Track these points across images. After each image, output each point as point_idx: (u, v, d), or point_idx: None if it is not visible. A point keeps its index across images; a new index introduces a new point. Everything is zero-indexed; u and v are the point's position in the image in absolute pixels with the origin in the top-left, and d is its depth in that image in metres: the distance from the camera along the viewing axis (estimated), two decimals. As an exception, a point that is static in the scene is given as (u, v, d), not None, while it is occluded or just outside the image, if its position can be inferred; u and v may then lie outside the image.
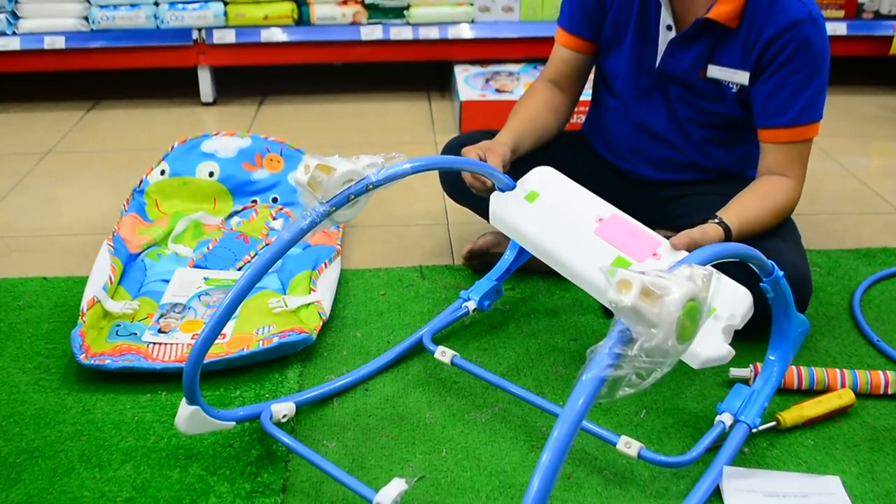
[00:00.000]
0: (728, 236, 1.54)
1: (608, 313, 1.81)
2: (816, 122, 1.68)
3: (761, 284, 1.34)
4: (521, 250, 1.76)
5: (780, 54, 1.62)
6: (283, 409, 1.45)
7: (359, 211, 1.38)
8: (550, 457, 0.93)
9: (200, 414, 1.33)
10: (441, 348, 1.55)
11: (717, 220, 1.55)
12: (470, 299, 1.69)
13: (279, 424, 1.43)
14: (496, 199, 1.61)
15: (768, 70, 1.65)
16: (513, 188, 1.60)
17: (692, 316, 1.00)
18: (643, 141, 1.86)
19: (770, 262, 1.29)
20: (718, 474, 1.35)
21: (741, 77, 1.69)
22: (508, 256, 1.76)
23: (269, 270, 1.88)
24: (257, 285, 1.82)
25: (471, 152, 1.63)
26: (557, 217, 1.55)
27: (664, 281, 0.98)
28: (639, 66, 1.79)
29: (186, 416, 1.32)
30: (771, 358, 1.50)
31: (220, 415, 1.38)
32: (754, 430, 1.43)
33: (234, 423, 1.41)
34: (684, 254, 1.42)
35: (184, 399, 1.32)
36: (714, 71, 1.71)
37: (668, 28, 1.72)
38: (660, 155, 1.86)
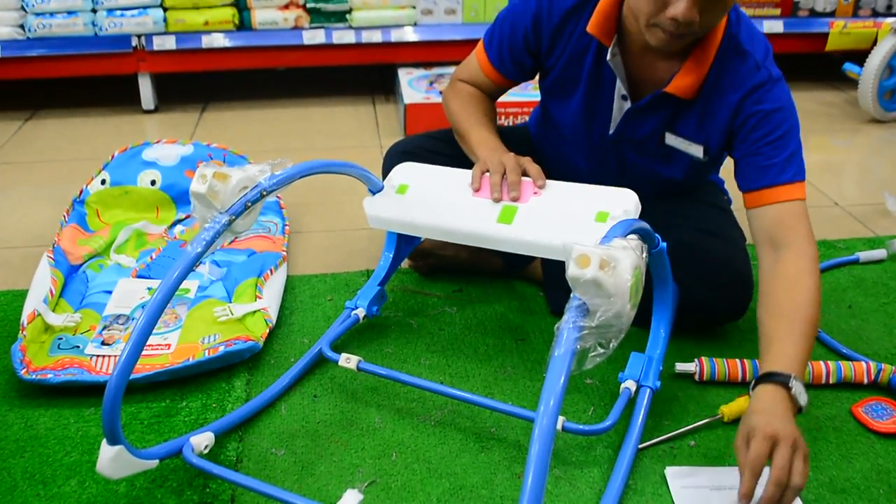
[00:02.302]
0: (788, 381, 1.30)
1: (556, 312, 1.83)
2: (799, 183, 1.53)
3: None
4: (398, 249, 1.78)
5: (745, 124, 1.55)
6: (203, 440, 1.38)
7: (252, 222, 1.38)
8: (542, 435, 0.99)
9: (125, 454, 1.23)
10: (345, 355, 1.54)
11: (774, 381, 1.30)
12: (358, 307, 1.70)
13: (204, 455, 1.37)
14: (370, 203, 1.63)
15: (737, 139, 1.58)
16: (381, 189, 1.63)
17: (638, 282, 1.09)
18: (594, 182, 1.80)
19: (656, 235, 1.35)
20: (639, 434, 1.44)
21: (695, 150, 1.64)
22: (384, 262, 1.76)
23: (214, 279, 1.88)
24: (202, 294, 1.82)
25: (514, 171, 1.54)
26: (434, 196, 1.60)
27: (614, 252, 1.07)
28: (589, 127, 1.73)
29: (110, 458, 1.22)
30: (656, 324, 1.59)
31: (142, 454, 1.29)
32: (656, 391, 1.51)
33: (157, 461, 1.33)
34: (561, 185, 1.54)
35: (104, 441, 1.22)
36: (671, 139, 1.66)
37: (624, 98, 1.65)
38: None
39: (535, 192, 1.53)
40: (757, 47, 1.56)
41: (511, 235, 1.49)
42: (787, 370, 1.30)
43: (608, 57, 1.59)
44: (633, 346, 1.56)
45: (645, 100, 1.62)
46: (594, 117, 1.71)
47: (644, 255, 1.13)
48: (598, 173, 1.78)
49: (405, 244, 1.80)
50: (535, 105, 2.01)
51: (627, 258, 1.07)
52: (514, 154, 1.59)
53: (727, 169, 1.91)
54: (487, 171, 1.57)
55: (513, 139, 1.78)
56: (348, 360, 1.53)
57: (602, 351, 1.09)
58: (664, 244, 1.41)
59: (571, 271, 1.06)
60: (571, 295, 1.09)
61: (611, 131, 1.70)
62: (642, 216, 1.48)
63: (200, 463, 1.33)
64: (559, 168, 1.86)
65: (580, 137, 1.76)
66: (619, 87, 1.64)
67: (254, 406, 1.52)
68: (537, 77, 1.82)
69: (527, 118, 2.76)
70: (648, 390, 1.50)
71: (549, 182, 1.55)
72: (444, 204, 1.58)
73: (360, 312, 1.69)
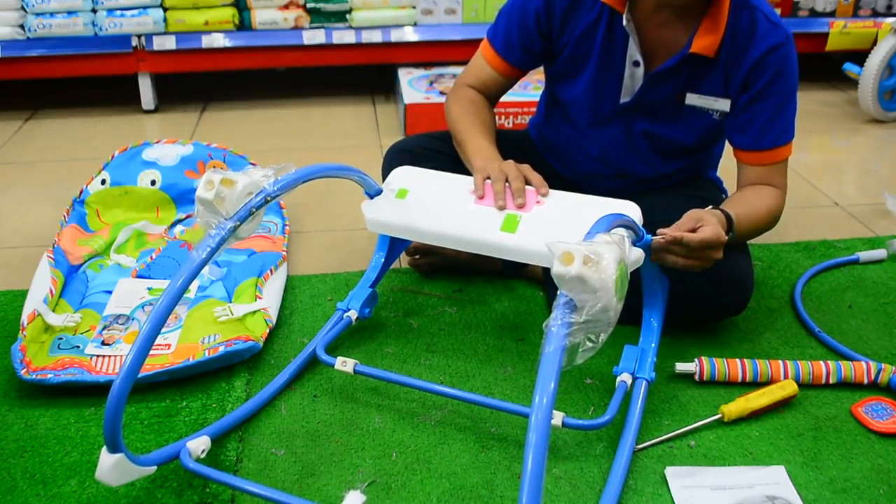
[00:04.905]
0: (730, 224, 1.56)
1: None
2: (791, 142, 1.69)
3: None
4: (391, 250, 1.77)
5: (760, 79, 1.62)
6: (200, 444, 1.37)
7: (256, 227, 1.38)
8: (537, 431, 1.00)
9: (125, 462, 1.22)
10: (341, 359, 1.53)
11: (716, 209, 1.57)
12: (350, 309, 1.69)
13: (201, 460, 1.37)
14: (368, 206, 1.63)
15: (749, 94, 1.65)
16: (380, 192, 1.63)
17: (623, 275, 1.11)
18: (598, 164, 1.83)
19: (641, 228, 1.38)
20: (637, 426, 1.45)
21: (722, 104, 1.68)
22: (376, 263, 1.76)
23: (215, 279, 1.88)
24: (202, 294, 1.82)
25: (517, 178, 1.56)
26: (434, 202, 1.60)
27: (597, 247, 1.09)
28: (599, 98, 1.75)
29: (111, 466, 1.21)
30: (648, 316, 1.60)
31: (140, 460, 1.28)
32: (651, 383, 1.52)
33: (155, 467, 1.33)
34: (563, 194, 1.55)
35: (104, 449, 1.21)
36: (693, 99, 1.69)
37: (636, 64, 1.68)
38: (614, 174, 1.84)
39: (537, 202, 1.53)
40: (761, 1, 1.65)
41: (515, 244, 1.48)
42: (730, 211, 1.57)
43: (624, 23, 1.63)
44: (627, 341, 1.56)
45: (671, 62, 1.65)
46: (605, 89, 1.73)
47: (628, 248, 1.14)
48: (606, 150, 1.81)
49: (397, 246, 1.80)
50: (534, 105, 2.01)
51: (611, 253, 1.09)
52: (514, 162, 1.60)
53: (726, 168, 1.91)
54: (488, 178, 1.58)
55: (513, 144, 1.80)
56: (344, 364, 1.52)
57: (591, 345, 1.10)
58: (649, 237, 1.42)
59: (556, 269, 1.08)
60: (558, 292, 1.10)
61: (623, 99, 1.73)
62: (643, 212, 1.49)
63: (198, 468, 1.32)
64: (565, 157, 1.88)
65: (590, 113, 1.78)
66: (632, 55, 1.67)
67: (247, 409, 1.51)
68: (537, 77, 1.83)
69: (526, 118, 2.76)
70: (644, 382, 1.50)
71: (551, 191, 1.55)
72: (446, 210, 1.57)
73: (353, 314, 1.69)
